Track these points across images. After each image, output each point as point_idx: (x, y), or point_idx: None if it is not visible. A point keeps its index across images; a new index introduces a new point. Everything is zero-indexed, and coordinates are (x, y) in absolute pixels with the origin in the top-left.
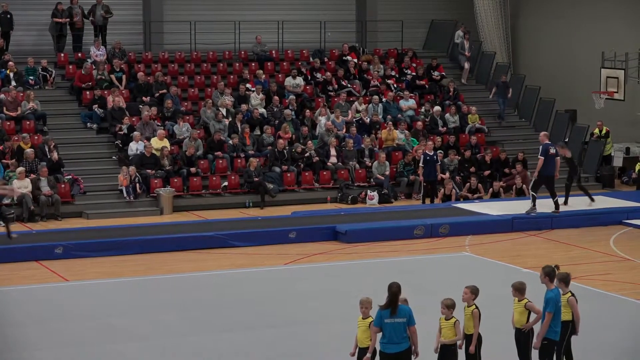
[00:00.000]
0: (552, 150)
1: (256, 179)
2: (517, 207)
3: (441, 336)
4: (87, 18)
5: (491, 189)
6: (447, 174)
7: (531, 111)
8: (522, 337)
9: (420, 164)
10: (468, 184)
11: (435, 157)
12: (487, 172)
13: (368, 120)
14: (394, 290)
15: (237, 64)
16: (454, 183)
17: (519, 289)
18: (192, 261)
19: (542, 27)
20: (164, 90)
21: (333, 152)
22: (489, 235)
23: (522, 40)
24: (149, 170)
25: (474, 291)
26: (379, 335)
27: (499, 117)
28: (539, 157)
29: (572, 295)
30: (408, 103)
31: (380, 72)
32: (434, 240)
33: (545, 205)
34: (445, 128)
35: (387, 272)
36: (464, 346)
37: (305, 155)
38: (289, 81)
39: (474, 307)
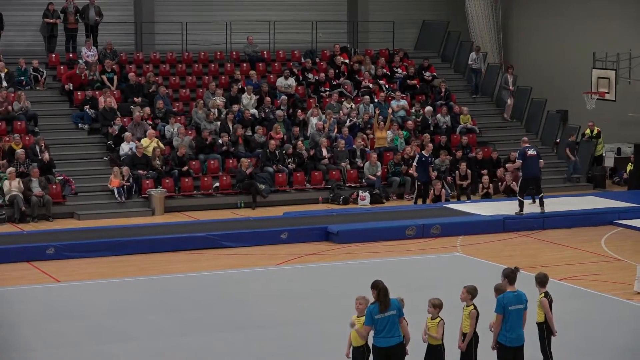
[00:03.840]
0: (531, 152)
1: (249, 172)
2: (509, 207)
3: (426, 336)
4: (81, 19)
5: (481, 184)
6: (435, 173)
7: (522, 111)
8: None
9: (414, 164)
10: (457, 171)
11: (430, 159)
12: (484, 171)
13: (360, 121)
14: (383, 286)
15: (229, 65)
16: (445, 184)
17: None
18: (184, 262)
19: (534, 27)
20: (154, 89)
21: (325, 152)
22: (481, 236)
23: (514, 40)
24: (140, 171)
25: (470, 291)
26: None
27: (567, 180)
28: (516, 160)
29: (546, 296)
30: (399, 103)
31: (371, 73)
32: (425, 240)
33: (535, 206)
34: (447, 126)
35: (379, 273)
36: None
37: (302, 152)
38: (280, 82)
39: (472, 307)
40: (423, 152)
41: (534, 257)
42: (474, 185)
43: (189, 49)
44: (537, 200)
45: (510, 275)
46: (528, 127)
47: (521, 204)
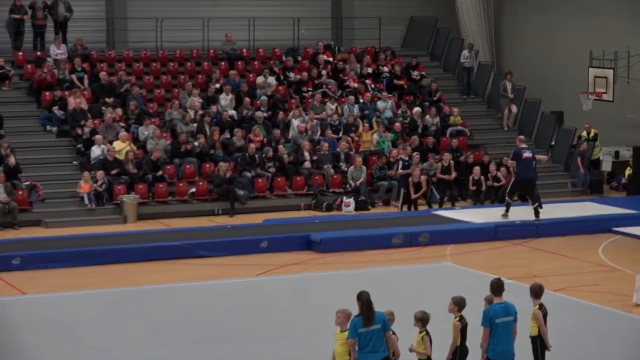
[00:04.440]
0: (527, 154)
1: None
2: (500, 214)
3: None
4: (50, 15)
5: (471, 177)
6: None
7: (516, 113)
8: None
9: (399, 170)
10: (440, 163)
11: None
12: (476, 170)
13: (344, 121)
14: (367, 298)
15: (206, 63)
16: (434, 188)
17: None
18: (158, 272)
19: (528, 24)
20: (127, 89)
21: (307, 156)
22: (471, 244)
23: (507, 38)
24: (112, 176)
25: (457, 302)
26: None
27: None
28: (510, 161)
29: (540, 308)
30: (385, 104)
31: (356, 72)
32: (413, 249)
33: (523, 213)
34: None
35: (364, 283)
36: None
37: (283, 156)
38: (260, 81)
39: (456, 319)
40: (403, 156)
41: (528, 267)
42: (464, 190)
43: (164, 46)
44: (533, 209)
45: (494, 286)
46: (521, 129)
47: (508, 206)
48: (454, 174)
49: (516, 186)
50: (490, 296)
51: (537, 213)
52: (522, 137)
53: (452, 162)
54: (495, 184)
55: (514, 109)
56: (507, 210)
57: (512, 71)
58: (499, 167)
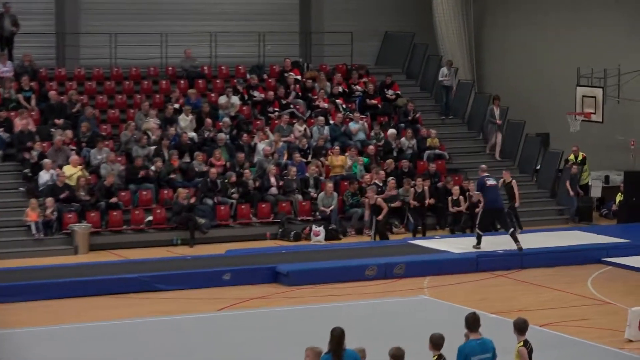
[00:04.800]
0: (490, 182)
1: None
2: (483, 244)
3: None
4: None
5: (450, 198)
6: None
7: (488, 126)
8: None
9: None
10: (413, 188)
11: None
12: (455, 190)
13: (313, 144)
14: (337, 334)
15: (164, 82)
16: (410, 215)
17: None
18: (112, 308)
19: (511, 40)
20: (78, 109)
21: (273, 181)
22: (451, 276)
23: (488, 54)
24: (62, 203)
25: (433, 340)
26: None
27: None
28: (475, 192)
29: (525, 345)
30: (358, 125)
31: (327, 91)
32: (388, 281)
33: (504, 242)
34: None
35: (335, 319)
36: None
37: (247, 181)
38: (222, 100)
39: (435, 357)
40: (376, 180)
41: (511, 300)
42: (442, 218)
43: (119, 63)
44: (510, 237)
45: (469, 321)
46: (504, 153)
47: (479, 237)
48: (429, 200)
49: (486, 217)
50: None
51: (516, 239)
52: (484, 166)
53: (426, 188)
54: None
55: (499, 137)
56: (478, 242)
57: (494, 90)
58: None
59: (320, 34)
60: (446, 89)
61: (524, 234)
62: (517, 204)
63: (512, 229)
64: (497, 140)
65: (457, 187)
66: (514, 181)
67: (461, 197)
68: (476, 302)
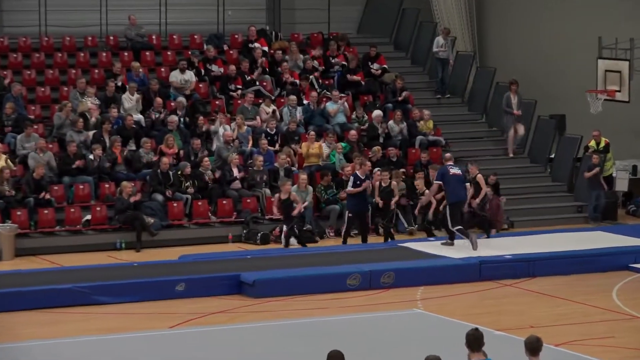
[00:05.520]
0: (454, 171)
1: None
2: (487, 246)
3: None
4: None
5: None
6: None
7: (524, 135)
8: None
9: (349, 188)
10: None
11: (368, 180)
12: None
13: (283, 128)
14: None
15: (104, 54)
16: (400, 214)
17: None
18: (42, 324)
19: (519, 3)
20: (1, 87)
21: (236, 172)
22: (449, 286)
23: (492, 21)
24: None
25: None
26: None
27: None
28: (434, 182)
29: None
30: (337, 106)
31: (299, 65)
32: (374, 292)
33: (512, 244)
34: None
35: (311, 337)
36: None
37: (205, 173)
38: (175, 77)
39: None
40: (357, 172)
41: (522, 315)
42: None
43: (50, 32)
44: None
45: (470, 339)
46: (503, 130)
47: (452, 236)
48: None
49: (455, 211)
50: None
51: (452, 237)
52: (448, 154)
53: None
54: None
55: (522, 129)
56: (451, 240)
57: (499, 64)
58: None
59: None
60: (442, 63)
61: (534, 235)
62: (475, 202)
63: (459, 226)
64: (517, 132)
65: (420, 180)
66: (479, 175)
67: (426, 191)
68: (479, 317)
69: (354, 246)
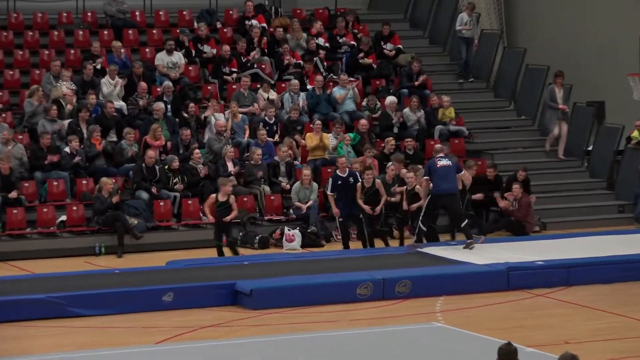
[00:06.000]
0: (442, 162)
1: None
2: (515, 251)
3: None
4: None
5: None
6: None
7: (535, 104)
8: None
9: (328, 191)
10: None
11: (352, 179)
12: (477, 196)
13: (284, 117)
14: None
15: (81, 33)
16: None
17: None
18: (9, 340)
19: None
20: None
21: (231, 167)
22: (473, 296)
23: None
24: None
25: None
26: None
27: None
28: (424, 178)
29: None
30: (345, 91)
31: (302, 45)
32: (387, 304)
33: (541, 250)
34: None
35: (316, 355)
36: None
37: (196, 167)
38: (161, 58)
39: None
40: (338, 172)
41: (556, 329)
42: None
43: (19, 7)
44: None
45: (503, 354)
46: (544, 128)
47: (420, 234)
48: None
49: (432, 205)
50: None
51: (468, 234)
52: (438, 146)
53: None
54: (511, 207)
55: (565, 128)
56: (418, 240)
57: (530, 44)
58: (511, 184)
59: None
60: (466, 43)
61: (570, 239)
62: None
63: (465, 221)
64: (561, 132)
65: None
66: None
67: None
68: (508, 332)
69: (365, 251)
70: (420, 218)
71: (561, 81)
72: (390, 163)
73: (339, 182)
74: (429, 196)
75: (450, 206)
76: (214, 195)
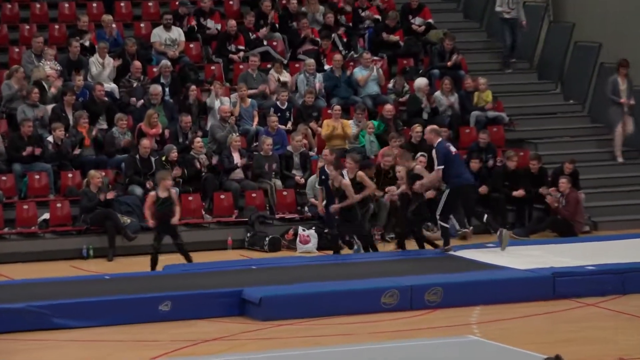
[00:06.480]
0: (454, 149)
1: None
2: (562, 254)
3: None
4: None
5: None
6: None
7: (585, 87)
8: None
9: (317, 185)
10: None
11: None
12: (519, 192)
13: (298, 102)
14: None
15: (66, 5)
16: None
17: None
18: None
19: None
20: None
21: (237, 158)
22: (513, 306)
23: None
24: None
25: None
26: None
27: None
28: (436, 168)
29: None
30: (367, 72)
31: (319, 20)
32: (416, 314)
33: (592, 254)
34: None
35: None
36: None
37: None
38: (158, 35)
39: None
40: (326, 167)
41: (608, 343)
42: (499, 215)
43: None
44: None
45: None
46: (594, 115)
47: (446, 234)
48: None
49: (453, 199)
50: None
51: (492, 225)
52: (435, 126)
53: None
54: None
55: (631, 125)
56: (447, 242)
57: (578, 19)
58: (557, 176)
59: None
60: (510, 25)
61: (624, 240)
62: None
63: (486, 215)
64: (625, 129)
65: (520, 192)
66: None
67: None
68: (553, 346)
69: (390, 254)
70: (439, 215)
71: (625, 71)
72: (419, 154)
73: (323, 177)
74: (448, 189)
75: (472, 199)
76: (153, 193)
